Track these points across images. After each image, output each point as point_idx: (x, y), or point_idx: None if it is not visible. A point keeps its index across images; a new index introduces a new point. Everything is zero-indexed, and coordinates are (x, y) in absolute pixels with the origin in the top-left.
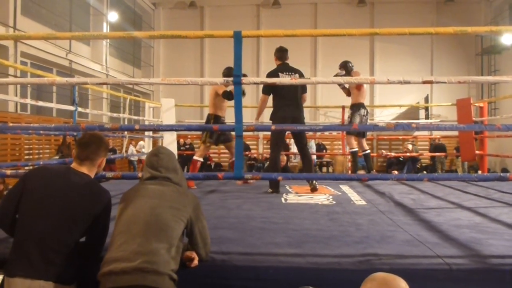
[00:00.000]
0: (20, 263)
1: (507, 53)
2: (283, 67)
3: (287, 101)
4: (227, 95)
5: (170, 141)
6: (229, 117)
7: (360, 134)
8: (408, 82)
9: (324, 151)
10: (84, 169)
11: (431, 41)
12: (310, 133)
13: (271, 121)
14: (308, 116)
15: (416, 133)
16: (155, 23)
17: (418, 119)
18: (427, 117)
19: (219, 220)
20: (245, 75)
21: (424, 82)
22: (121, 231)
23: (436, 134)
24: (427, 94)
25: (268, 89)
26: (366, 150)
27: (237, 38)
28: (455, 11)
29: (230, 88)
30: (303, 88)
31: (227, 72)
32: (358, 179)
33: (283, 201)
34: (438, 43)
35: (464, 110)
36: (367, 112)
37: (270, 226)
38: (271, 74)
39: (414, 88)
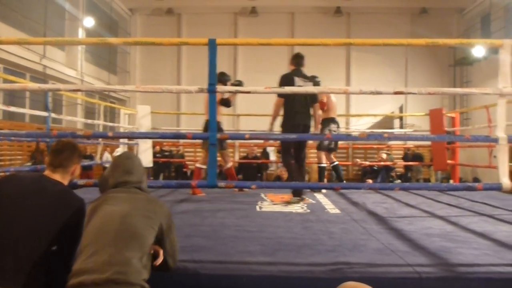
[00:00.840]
0: None
1: (478, 65)
2: (297, 72)
3: (298, 108)
4: (225, 103)
5: (145, 148)
6: (228, 125)
7: (330, 150)
8: (380, 93)
9: None
10: (57, 177)
11: (406, 52)
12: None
13: (281, 129)
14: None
15: (391, 142)
16: (131, 29)
17: (393, 128)
18: (401, 127)
19: (193, 228)
20: (240, 82)
21: (396, 93)
22: (90, 241)
23: (411, 143)
24: (402, 104)
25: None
26: (334, 162)
27: (212, 46)
28: (429, 23)
29: (228, 95)
30: (312, 98)
31: (219, 78)
32: (331, 188)
33: (258, 209)
34: (413, 54)
35: (436, 120)
36: (338, 126)
37: (244, 235)
38: (286, 78)
39: (389, 98)
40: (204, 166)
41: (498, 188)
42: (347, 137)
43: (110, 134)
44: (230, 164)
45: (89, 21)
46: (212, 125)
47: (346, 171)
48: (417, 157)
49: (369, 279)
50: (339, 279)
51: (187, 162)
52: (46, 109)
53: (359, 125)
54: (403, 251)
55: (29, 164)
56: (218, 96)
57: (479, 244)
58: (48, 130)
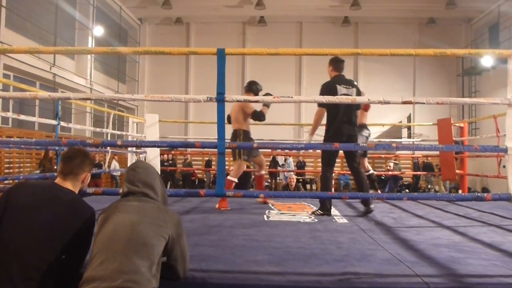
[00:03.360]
0: (0, 279)
1: (487, 74)
2: (340, 79)
3: (342, 117)
4: (258, 116)
5: (153, 156)
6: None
7: (363, 155)
8: (388, 102)
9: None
10: (68, 184)
11: (414, 61)
12: (293, 151)
13: (324, 140)
14: (292, 133)
15: (398, 152)
16: (141, 38)
17: (401, 137)
18: (409, 136)
19: (200, 238)
20: (270, 94)
21: (404, 103)
22: (101, 249)
23: (419, 153)
24: (410, 113)
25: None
26: (370, 170)
27: (221, 55)
28: (437, 32)
29: (261, 107)
30: (357, 105)
31: (249, 87)
32: (339, 197)
33: (265, 218)
34: (421, 63)
35: (444, 130)
36: (370, 133)
37: (252, 244)
38: (328, 86)
39: (397, 107)
40: (235, 179)
41: (508, 198)
42: (355, 146)
43: (119, 142)
44: (263, 172)
45: (98, 30)
46: (220, 134)
47: (352, 180)
48: (428, 167)
49: None
50: None
51: (196, 171)
52: (56, 117)
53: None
54: (411, 261)
55: (37, 171)
56: (250, 109)
57: (488, 255)
58: (57, 138)
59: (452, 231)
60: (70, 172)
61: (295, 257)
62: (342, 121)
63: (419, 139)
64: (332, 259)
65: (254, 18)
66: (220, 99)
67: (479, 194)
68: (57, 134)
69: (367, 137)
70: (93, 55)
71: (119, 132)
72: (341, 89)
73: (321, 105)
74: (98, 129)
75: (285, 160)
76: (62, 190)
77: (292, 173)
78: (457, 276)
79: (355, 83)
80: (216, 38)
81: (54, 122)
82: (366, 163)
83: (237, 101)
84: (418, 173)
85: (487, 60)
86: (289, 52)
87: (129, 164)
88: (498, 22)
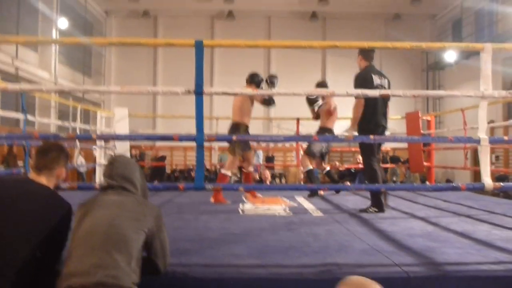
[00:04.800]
0: None
1: (450, 69)
2: (373, 69)
3: (378, 109)
4: (268, 102)
5: (122, 151)
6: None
7: (321, 156)
8: (367, 95)
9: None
10: (42, 179)
11: (380, 57)
12: (263, 144)
13: (360, 131)
14: (261, 127)
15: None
16: (107, 31)
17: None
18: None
19: (177, 232)
20: (274, 76)
21: (382, 96)
22: (79, 244)
23: (388, 145)
24: None
25: None
26: (326, 168)
27: (198, 47)
28: (403, 28)
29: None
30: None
31: (251, 79)
32: (318, 189)
33: (241, 212)
34: (387, 59)
35: (413, 123)
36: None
37: (229, 237)
38: (363, 77)
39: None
40: (229, 173)
41: (481, 188)
42: (334, 138)
43: (94, 136)
44: (251, 168)
45: (63, 22)
46: (199, 126)
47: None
48: (395, 160)
49: None
50: (328, 280)
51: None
52: (22, 110)
53: (336, 128)
54: (388, 251)
55: (1, 167)
56: (259, 97)
57: (461, 243)
58: (24, 132)
59: (424, 221)
60: (44, 166)
61: (274, 249)
62: (378, 113)
63: (388, 132)
64: (311, 251)
65: (223, 12)
66: (199, 92)
67: (454, 185)
68: (24, 128)
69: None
70: (57, 47)
71: (86, 127)
72: (376, 79)
73: (359, 96)
74: (66, 123)
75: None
76: (36, 185)
77: (265, 168)
78: (435, 265)
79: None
80: (184, 32)
81: (20, 115)
82: (324, 163)
83: (214, 93)
84: (388, 165)
85: (450, 55)
86: (268, 44)
87: (97, 160)
88: (461, 18)
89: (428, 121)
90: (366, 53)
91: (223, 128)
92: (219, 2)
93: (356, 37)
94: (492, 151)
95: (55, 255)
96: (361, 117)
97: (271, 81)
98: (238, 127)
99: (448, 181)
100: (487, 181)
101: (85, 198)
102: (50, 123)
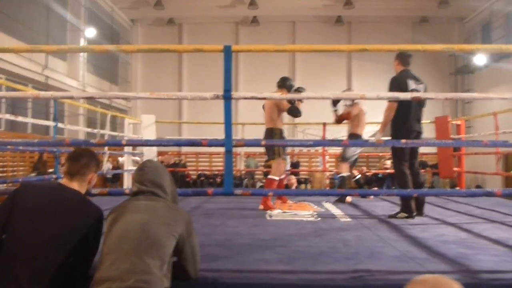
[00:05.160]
0: (7, 283)
1: (479, 73)
2: (408, 74)
3: (412, 114)
4: (294, 112)
5: (150, 157)
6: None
7: (352, 162)
8: (398, 98)
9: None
10: (74, 185)
11: None
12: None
13: (393, 136)
14: (286, 133)
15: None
16: (133, 39)
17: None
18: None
19: (206, 237)
20: (302, 88)
21: (413, 99)
22: (111, 249)
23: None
24: None
25: None
26: (356, 174)
27: (227, 52)
28: (430, 31)
29: (296, 103)
30: (423, 102)
31: (282, 83)
32: (350, 194)
33: (268, 217)
34: (414, 62)
35: (442, 127)
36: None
37: (258, 243)
38: (397, 81)
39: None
40: (277, 178)
41: None
42: (364, 143)
43: (123, 142)
44: (283, 175)
45: (90, 32)
46: (227, 132)
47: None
48: (422, 165)
49: (393, 286)
50: (360, 287)
51: (190, 172)
52: (54, 118)
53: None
54: (421, 258)
55: (33, 174)
56: (285, 105)
57: (497, 251)
58: (55, 139)
59: (456, 228)
60: (76, 172)
61: (303, 255)
62: (412, 118)
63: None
64: (341, 257)
65: (247, 18)
66: (227, 97)
67: (489, 190)
68: (55, 134)
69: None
70: (85, 56)
71: (114, 133)
72: (411, 84)
73: (392, 100)
74: (95, 131)
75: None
76: (68, 191)
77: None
78: (471, 272)
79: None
80: (209, 38)
81: (51, 123)
82: (353, 169)
83: (244, 98)
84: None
85: (480, 58)
86: (296, 48)
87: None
88: (490, 21)
89: (458, 126)
90: (403, 58)
91: (248, 133)
92: (244, 8)
93: (382, 41)
94: None
95: (88, 261)
96: (393, 122)
97: (299, 92)
98: (273, 133)
99: (478, 187)
100: None
101: (114, 204)
102: (79, 130)
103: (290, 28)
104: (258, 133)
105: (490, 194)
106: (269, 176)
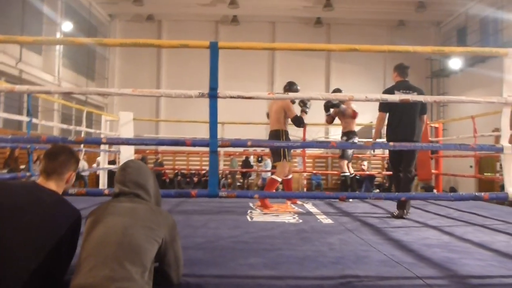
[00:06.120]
0: None
1: (454, 76)
2: (401, 85)
3: (404, 120)
4: (298, 122)
5: (127, 156)
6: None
7: (349, 159)
8: (386, 100)
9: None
10: (51, 185)
11: (384, 63)
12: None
13: (387, 141)
14: (264, 133)
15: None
16: (111, 35)
17: (371, 138)
18: (380, 136)
19: (186, 240)
20: (305, 104)
21: (401, 101)
22: (90, 254)
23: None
24: None
25: (384, 106)
26: (352, 173)
27: (213, 49)
28: (407, 35)
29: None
30: (422, 108)
31: (289, 87)
32: (336, 198)
33: (249, 219)
34: (391, 65)
35: None
36: (358, 140)
37: (241, 246)
38: (386, 92)
39: (368, 108)
40: (279, 179)
41: (505, 197)
42: (352, 145)
43: (104, 140)
44: (290, 176)
45: (67, 26)
46: (213, 132)
47: (326, 180)
48: None
49: None
50: None
51: (167, 172)
52: (28, 113)
53: (337, 135)
54: (408, 262)
55: (4, 171)
56: (292, 113)
57: (481, 255)
58: (29, 134)
59: (438, 230)
60: (53, 171)
61: (288, 260)
62: (402, 125)
63: None
64: (327, 261)
65: (227, 17)
66: (213, 95)
67: (476, 194)
68: (29, 130)
69: (356, 143)
70: (61, 50)
71: (91, 130)
72: (399, 94)
73: (381, 109)
74: (71, 127)
75: (260, 160)
76: (45, 191)
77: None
78: (459, 278)
79: (419, 88)
80: (188, 36)
81: (25, 118)
82: (350, 166)
83: (230, 97)
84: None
85: (455, 62)
86: (284, 46)
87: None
88: (466, 26)
89: (436, 128)
90: (401, 70)
91: (229, 133)
92: (224, 6)
93: (360, 43)
94: (497, 159)
95: (64, 266)
96: (387, 129)
97: (304, 103)
98: (279, 134)
99: (452, 189)
100: (511, 191)
101: (90, 204)
102: (53, 126)
103: (270, 28)
104: (237, 133)
105: (478, 198)
106: (273, 176)
